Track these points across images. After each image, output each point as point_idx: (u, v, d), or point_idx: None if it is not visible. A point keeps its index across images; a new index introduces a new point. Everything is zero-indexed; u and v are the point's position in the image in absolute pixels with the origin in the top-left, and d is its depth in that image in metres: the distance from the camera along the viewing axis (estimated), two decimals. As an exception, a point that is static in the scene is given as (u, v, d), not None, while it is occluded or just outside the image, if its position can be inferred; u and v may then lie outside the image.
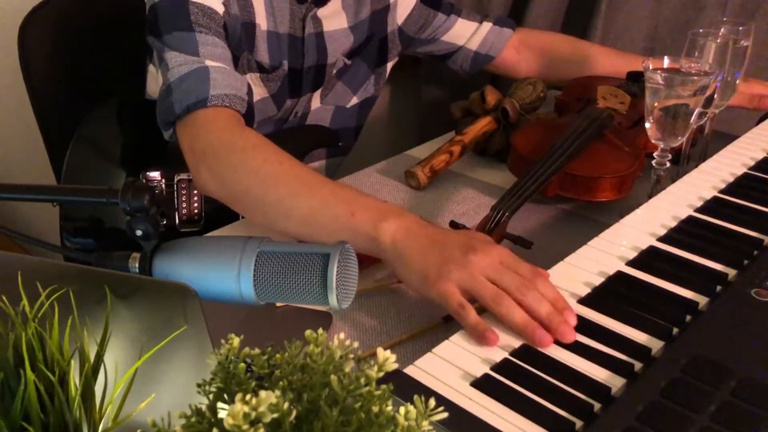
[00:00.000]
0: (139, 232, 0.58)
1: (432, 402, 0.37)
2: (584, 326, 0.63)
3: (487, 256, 0.68)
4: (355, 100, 1.25)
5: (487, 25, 1.26)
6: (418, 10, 1.23)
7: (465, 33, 1.26)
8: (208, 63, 0.92)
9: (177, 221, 1.09)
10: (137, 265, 0.59)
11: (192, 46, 0.93)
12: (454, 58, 1.29)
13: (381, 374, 0.37)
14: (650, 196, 0.87)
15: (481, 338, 0.61)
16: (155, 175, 1.08)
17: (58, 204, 1.08)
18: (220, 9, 0.97)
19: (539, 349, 0.60)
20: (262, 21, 1.06)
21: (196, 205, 1.09)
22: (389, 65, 1.26)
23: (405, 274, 0.72)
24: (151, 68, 1.15)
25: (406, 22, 1.23)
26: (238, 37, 1.03)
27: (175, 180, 1.08)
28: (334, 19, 1.13)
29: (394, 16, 1.21)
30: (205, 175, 0.86)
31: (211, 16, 0.96)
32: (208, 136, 0.88)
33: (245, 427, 0.33)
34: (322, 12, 1.11)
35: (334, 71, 1.18)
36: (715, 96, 0.94)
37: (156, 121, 0.95)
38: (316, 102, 1.20)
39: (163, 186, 1.08)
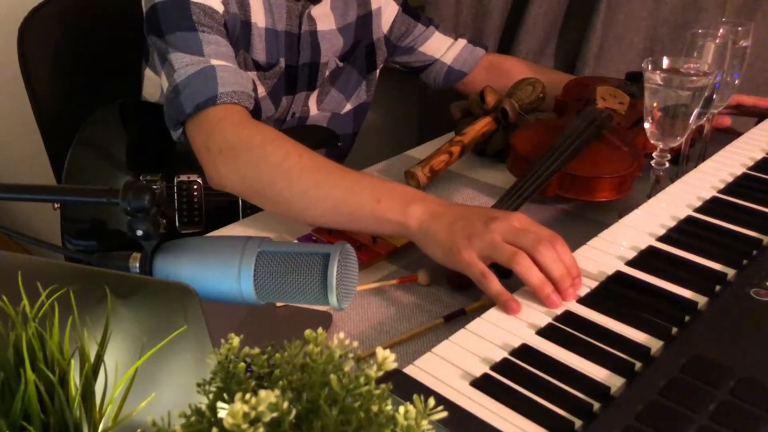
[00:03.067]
0: (139, 232, 0.58)
1: (431, 401, 0.37)
2: (584, 326, 0.63)
3: (505, 221, 0.72)
4: (348, 107, 1.26)
5: (461, 42, 1.29)
6: (400, 18, 1.26)
7: (441, 46, 1.29)
8: (214, 62, 0.93)
9: (177, 223, 1.09)
10: (138, 265, 0.59)
11: (196, 45, 0.94)
12: (428, 72, 1.31)
13: (380, 374, 0.37)
14: (649, 196, 0.87)
15: (504, 307, 0.66)
16: (156, 177, 1.08)
17: (59, 206, 1.08)
18: (220, 8, 0.98)
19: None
20: (259, 19, 1.06)
21: (196, 206, 1.09)
22: (378, 72, 1.28)
23: (432, 250, 0.75)
24: (147, 72, 1.15)
25: (391, 30, 1.26)
26: (236, 35, 1.03)
27: (175, 182, 1.08)
28: (324, 19, 1.15)
29: (379, 24, 1.24)
30: (224, 172, 0.87)
31: (212, 16, 0.96)
32: (224, 133, 0.88)
33: (245, 426, 0.33)
34: (315, 11, 1.12)
35: (327, 72, 1.19)
36: (714, 96, 0.94)
37: (156, 123, 0.96)
38: (313, 108, 1.22)
39: (164, 188, 1.08)
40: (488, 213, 0.75)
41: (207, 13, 0.96)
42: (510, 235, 0.71)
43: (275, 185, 0.84)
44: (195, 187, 1.09)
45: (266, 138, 0.87)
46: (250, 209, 1.09)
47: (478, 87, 1.25)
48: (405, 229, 0.77)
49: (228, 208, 1.10)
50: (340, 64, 1.21)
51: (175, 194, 1.09)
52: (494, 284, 0.69)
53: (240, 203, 1.10)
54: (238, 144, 0.87)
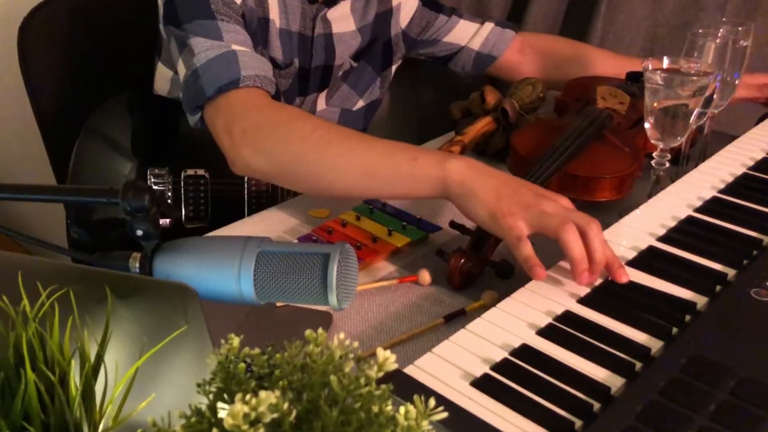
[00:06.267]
0: (139, 232, 0.58)
1: (432, 402, 0.37)
2: (584, 326, 0.63)
3: (555, 201, 0.73)
4: (361, 103, 1.25)
5: (488, 26, 1.27)
6: (420, 12, 1.24)
7: (467, 33, 1.26)
8: (235, 47, 0.93)
9: (183, 218, 1.09)
10: (138, 264, 0.59)
11: (216, 32, 0.94)
12: (456, 60, 1.29)
13: (381, 374, 0.37)
14: (650, 196, 0.87)
15: (530, 272, 0.69)
16: (163, 171, 1.08)
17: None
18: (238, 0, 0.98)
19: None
20: (276, 17, 1.06)
21: (202, 201, 1.09)
22: (394, 68, 1.27)
23: (473, 210, 0.75)
24: (160, 66, 1.14)
25: (410, 25, 1.24)
26: (254, 30, 1.03)
27: (182, 176, 1.08)
28: (342, 21, 1.14)
29: (397, 20, 1.22)
30: (248, 154, 0.86)
31: (230, 5, 0.96)
32: (247, 115, 0.88)
33: (245, 427, 0.33)
34: (331, 14, 1.11)
35: (340, 73, 1.18)
36: (715, 96, 0.94)
37: (165, 117, 0.95)
38: (321, 103, 1.21)
39: (171, 182, 1.08)
40: (537, 188, 0.76)
41: (225, 3, 0.96)
42: (560, 211, 0.72)
43: (305, 157, 0.83)
44: (202, 182, 1.09)
45: (292, 115, 0.87)
46: (256, 204, 1.09)
47: (513, 69, 1.24)
48: (443, 184, 0.76)
49: (234, 202, 1.10)
50: (354, 65, 1.20)
51: (182, 189, 1.09)
52: (527, 248, 0.70)
53: (246, 198, 1.10)
54: (263, 124, 0.86)
